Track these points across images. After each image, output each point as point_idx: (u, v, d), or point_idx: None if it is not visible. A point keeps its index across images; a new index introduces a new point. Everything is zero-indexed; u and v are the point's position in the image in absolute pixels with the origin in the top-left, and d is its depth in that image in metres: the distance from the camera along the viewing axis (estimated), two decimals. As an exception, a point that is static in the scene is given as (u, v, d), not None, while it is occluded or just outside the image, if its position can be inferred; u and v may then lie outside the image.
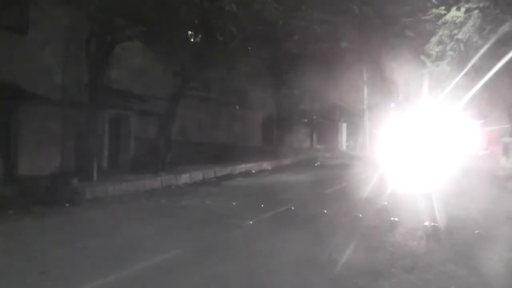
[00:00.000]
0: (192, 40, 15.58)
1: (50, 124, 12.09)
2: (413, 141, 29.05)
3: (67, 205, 9.23)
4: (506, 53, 16.96)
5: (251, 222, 7.62)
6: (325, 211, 8.78)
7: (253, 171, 17.42)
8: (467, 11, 20.42)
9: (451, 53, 22.18)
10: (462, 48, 21.06)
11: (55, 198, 9.43)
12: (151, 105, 15.44)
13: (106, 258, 5.60)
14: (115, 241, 6.47)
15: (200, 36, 15.11)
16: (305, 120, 32.51)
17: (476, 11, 19.57)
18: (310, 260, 5.55)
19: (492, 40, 17.97)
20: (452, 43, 21.86)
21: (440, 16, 22.91)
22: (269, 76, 18.08)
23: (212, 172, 15.40)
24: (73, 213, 8.70)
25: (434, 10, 23.32)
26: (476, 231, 7.01)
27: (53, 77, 12.31)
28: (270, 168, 19.10)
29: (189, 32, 15.37)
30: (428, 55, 24.64)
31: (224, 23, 12.39)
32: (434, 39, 23.62)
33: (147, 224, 7.67)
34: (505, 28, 17.00)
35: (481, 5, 18.73)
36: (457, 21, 21.36)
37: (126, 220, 8.17)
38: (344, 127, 37.09)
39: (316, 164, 22.58)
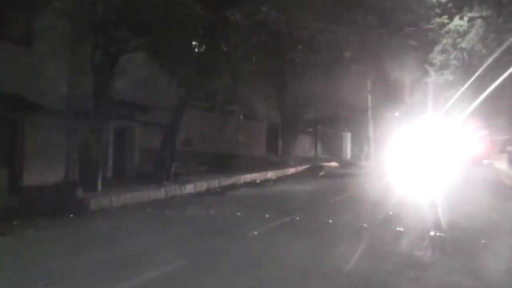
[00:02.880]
0: (196, 50, 15.62)
1: (55, 135, 12.13)
2: (418, 150, 29.03)
3: (72, 216, 9.24)
4: (509, 62, 16.99)
5: (256, 233, 7.60)
6: (330, 221, 8.75)
7: (258, 181, 17.38)
8: (470, 20, 20.49)
9: (455, 62, 22.21)
10: (466, 57, 21.09)
11: (59, 209, 9.43)
12: (156, 116, 15.47)
13: (111, 269, 5.59)
14: (120, 252, 6.46)
15: (204, 46, 15.16)
16: (310, 130, 32.53)
17: (479, 20, 19.64)
18: (315, 270, 5.53)
19: (495, 49, 18.01)
20: (456, 52, 21.91)
21: (443, 25, 22.98)
22: (273, 85, 18.10)
23: (217, 182, 15.37)
24: (77, 224, 8.71)
25: (437, 19, 23.39)
26: (482, 241, 6.96)
27: (58, 89, 12.36)
28: (274, 177, 19.06)
29: (193, 43, 15.41)
30: (432, 64, 24.68)
31: (228, 33, 12.42)
32: (438, 48, 23.67)
33: (151, 235, 7.67)
34: (507, 37, 17.06)
35: (484, 14, 18.81)
36: (460, 30, 21.43)
37: (131, 231, 8.17)
38: (348, 137, 37.04)
39: (320, 174, 22.51)
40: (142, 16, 11.41)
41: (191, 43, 15.09)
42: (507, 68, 17.81)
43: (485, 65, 18.89)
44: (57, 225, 8.47)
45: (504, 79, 18.05)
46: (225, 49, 13.68)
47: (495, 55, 17.88)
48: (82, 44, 12.32)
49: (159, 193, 12.53)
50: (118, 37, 10.91)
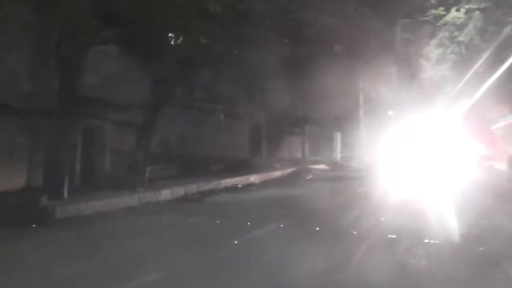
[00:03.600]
0: (173, 43, 15.54)
1: (17, 135, 11.94)
2: (413, 151, 29.22)
3: (34, 226, 9.10)
4: (509, 57, 17.19)
5: (236, 242, 7.57)
6: (318, 228, 8.75)
7: (240, 186, 17.36)
8: (468, 12, 20.73)
9: (452, 56, 22.41)
10: (464, 51, 21.30)
11: (21, 218, 9.27)
12: (129, 115, 15.35)
13: (76, 286, 5.50)
14: (87, 265, 6.36)
15: (182, 39, 15.08)
16: (297, 130, 32.54)
17: (477, 12, 19.87)
18: (301, 283, 5.51)
19: (495, 43, 18.21)
20: (453, 45, 22.12)
21: (439, 17, 23.19)
22: (257, 82, 18.08)
23: (195, 187, 15.31)
24: (41, 235, 8.57)
25: (434, 11, 23.61)
26: (481, 249, 7.01)
27: (20, 85, 12.16)
28: (258, 182, 19.05)
29: (170, 35, 15.33)
30: (428, 59, 24.88)
31: (208, 25, 12.36)
32: (434, 42, 23.88)
33: (123, 246, 7.58)
34: (507, 30, 17.26)
35: (482, 6, 19.04)
36: (457, 22, 21.66)
37: (100, 242, 8.07)
38: (338, 137, 37.10)
39: (308, 177, 22.56)
40: (114, 4, 11.30)
41: (168, 35, 15.01)
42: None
43: (482, 59, 19.12)
44: (17, 236, 8.31)
45: (504, 75, 18.32)
46: (204, 42, 13.60)
47: (494, 48, 18.09)
48: (47, 35, 12.15)
49: (132, 199, 12.43)
50: (87, 28, 10.78)
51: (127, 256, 6.83)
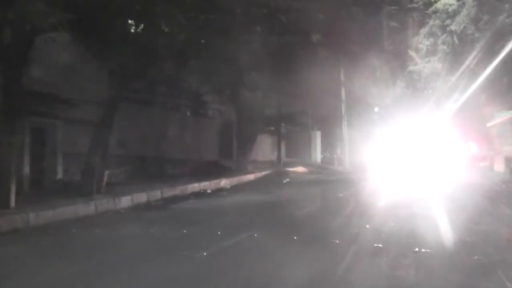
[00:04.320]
0: (132, 31, 15.46)
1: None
2: (401, 152, 29.61)
3: (-25, 238, 8.99)
4: (504, 47, 17.51)
5: (205, 254, 7.55)
6: (295, 237, 8.78)
7: (209, 191, 17.37)
8: (461, -2, 21.03)
9: (444, 47, 22.71)
10: (456, 41, 21.58)
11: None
12: (83, 112, 15.24)
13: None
14: (34, 284, 6.29)
15: (142, 26, 15.01)
16: (272, 128, 32.56)
17: (470, -1, 20.16)
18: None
19: (489, 32, 18.53)
20: (445, 35, 22.41)
21: (429, 3, 23.46)
22: (227, 75, 18.07)
23: (159, 193, 15.29)
24: (-19, 249, 8.45)
25: (423, -4, 23.89)
26: (475, 257, 7.12)
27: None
28: (229, 186, 19.08)
29: (129, 22, 15.25)
30: (417, 50, 25.18)
31: (171, 10, 12.33)
32: (424, 31, 24.17)
33: (76, 261, 7.49)
34: (503, 19, 17.56)
35: (476, -9, 19.32)
36: (449, 9, 21.94)
37: (51, 257, 7.98)
38: (318, 136, 37.37)
39: (285, 181, 22.67)
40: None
41: (126, 21, 14.92)
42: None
43: (476, 50, 19.45)
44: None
45: (499, 68, 18.66)
46: (166, 30, 13.56)
47: (488, 39, 18.41)
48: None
49: (88, 208, 12.33)
50: (33, 12, 10.63)
51: (79, 273, 6.73)
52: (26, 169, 13.64)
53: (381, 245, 7.95)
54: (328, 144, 38.47)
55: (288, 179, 23.51)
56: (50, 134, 14.99)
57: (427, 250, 7.59)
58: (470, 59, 20.28)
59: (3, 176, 11.35)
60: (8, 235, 9.56)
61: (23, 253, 8.32)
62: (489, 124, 34.99)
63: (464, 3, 20.81)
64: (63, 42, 13.68)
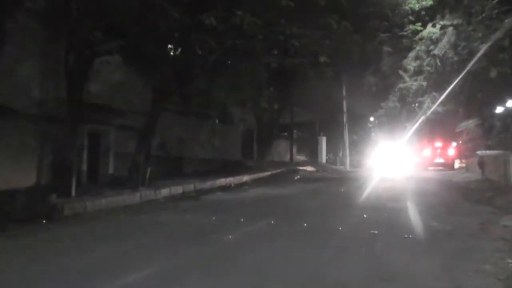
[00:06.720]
0: (171, 54, 15.56)
1: (28, 139, 11.90)
2: (392, 155, 29.67)
3: (44, 221, 9.08)
4: (478, 69, 17.54)
5: (230, 237, 7.58)
6: (305, 224, 8.78)
7: (233, 185, 17.38)
8: (442, 28, 21.01)
9: (428, 68, 22.67)
10: (439, 63, 21.53)
11: (32, 214, 9.26)
12: (131, 120, 15.35)
13: (82, 277, 5.47)
14: (92, 258, 6.35)
15: (179, 50, 15.11)
16: (285, 134, 32.73)
17: (450, 28, 20.13)
18: (291, 274, 5.54)
19: (466, 57, 18.53)
20: (429, 58, 22.35)
21: (417, 32, 23.47)
22: (249, 90, 18.14)
23: (192, 186, 15.32)
24: (50, 231, 8.54)
25: (411, 26, 23.91)
26: (453, 243, 7.07)
27: (31, 92, 12.15)
28: (250, 182, 19.08)
29: (169, 46, 15.36)
30: (406, 70, 25.13)
31: (203, 37, 12.41)
32: (412, 54, 24.15)
33: (125, 241, 7.56)
34: (476, 45, 17.58)
35: (455, 22, 19.31)
36: (433, 37, 21.92)
37: (104, 237, 8.06)
38: (324, 141, 37.41)
39: (296, 178, 22.64)
40: (117, 18, 11.31)
41: (166, 46, 15.03)
42: (478, 75, 18.33)
43: (455, 71, 19.43)
44: (29, 232, 8.29)
45: (474, 86, 18.60)
46: (200, 53, 13.64)
47: (465, 62, 18.41)
48: (55, 46, 12.14)
49: (134, 198, 12.41)
50: (92, 40, 10.79)
51: (128, 251, 6.81)
52: (84, 166, 13.76)
53: (376, 232, 7.92)
54: (332, 147, 38.42)
55: (299, 176, 23.48)
56: (104, 138, 15.10)
57: (414, 236, 7.57)
58: (450, 78, 20.23)
59: (66, 171, 11.50)
60: (70, 219, 9.68)
61: (82, 233, 8.41)
62: (457, 129, 35.03)
63: (445, 32, 20.74)
64: (115, 63, 13.86)
